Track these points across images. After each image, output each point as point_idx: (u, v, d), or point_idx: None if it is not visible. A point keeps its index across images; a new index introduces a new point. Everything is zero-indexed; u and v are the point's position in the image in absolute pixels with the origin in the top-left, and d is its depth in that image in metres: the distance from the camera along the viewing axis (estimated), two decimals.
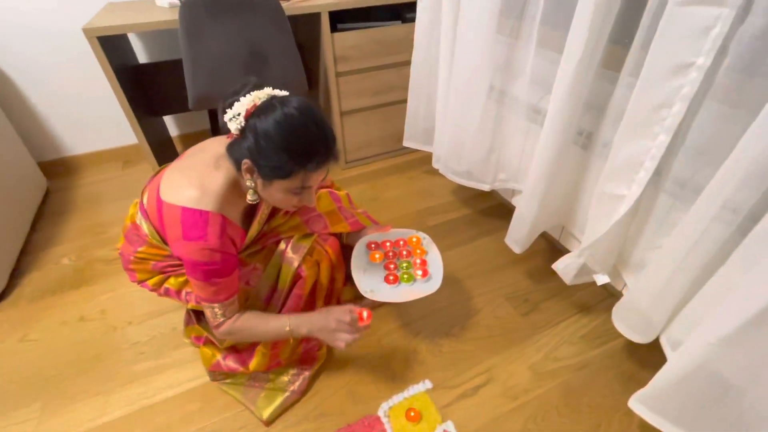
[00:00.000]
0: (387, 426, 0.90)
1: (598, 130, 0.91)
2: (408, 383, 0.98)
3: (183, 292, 0.92)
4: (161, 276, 0.92)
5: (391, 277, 0.96)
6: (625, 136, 0.73)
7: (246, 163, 0.70)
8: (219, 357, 0.96)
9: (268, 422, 0.91)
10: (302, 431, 0.90)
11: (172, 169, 0.79)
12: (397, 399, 0.95)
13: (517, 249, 1.12)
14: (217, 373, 0.97)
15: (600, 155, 0.91)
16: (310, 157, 0.69)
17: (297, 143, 0.68)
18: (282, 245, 0.92)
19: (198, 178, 0.74)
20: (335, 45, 1.48)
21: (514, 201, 1.29)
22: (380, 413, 0.92)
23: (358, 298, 1.12)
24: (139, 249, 0.88)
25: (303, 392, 0.96)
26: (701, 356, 0.64)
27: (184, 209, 0.71)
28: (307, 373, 0.97)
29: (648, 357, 1.00)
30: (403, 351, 1.06)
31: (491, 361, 1.03)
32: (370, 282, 0.95)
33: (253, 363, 0.92)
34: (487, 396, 0.96)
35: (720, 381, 0.64)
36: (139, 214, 0.85)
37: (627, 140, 0.73)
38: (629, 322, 0.86)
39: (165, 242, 0.81)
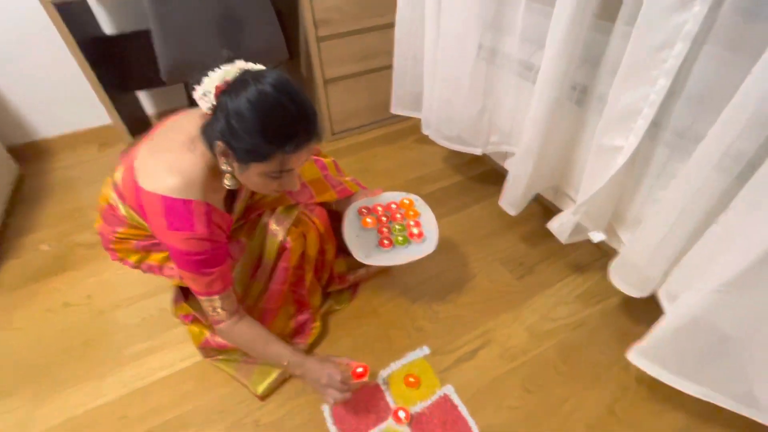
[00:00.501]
0: (386, 393, 0.89)
1: (593, 83, 0.87)
2: (406, 350, 0.97)
3: (165, 268, 0.89)
4: (143, 253, 0.88)
5: (386, 241, 0.93)
6: (623, 83, 0.69)
7: (219, 145, 0.64)
8: (207, 334, 0.93)
9: (263, 397, 0.90)
10: (299, 405, 0.89)
11: (147, 151, 0.73)
12: (395, 366, 0.94)
13: (512, 211, 1.10)
14: (209, 350, 0.96)
15: (595, 110, 0.88)
16: (288, 137, 0.63)
17: (273, 123, 0.62)
18: (265, 218, 0.88)
19: (176, 163, 0.68)
20: (314, 7, 1.40)
21: (507, 164, 1.26)
22: (379, 381, 0.92)
23: (351, 269, 1.10)
24: (119, 230, 0.84)
25: None
26: (702, 306, 0.63)
27: (166, 199, 0.66)
28: (301, 347, 0.96)
29: (643, 313, 1.00)
30: (400, 319, 1.04)
31: (488, 324, 1.02)
32: (364, 247, 0.93)
33: None
34: (485, 358, 0.95)
35: (720, 331, 0.64)
36: (113, 195, 0.79)
37: (625, 87, 0.69)
38: (627, 277, 0.85)
39: (146, 223, 0.77)
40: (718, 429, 0.81)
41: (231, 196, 0.81)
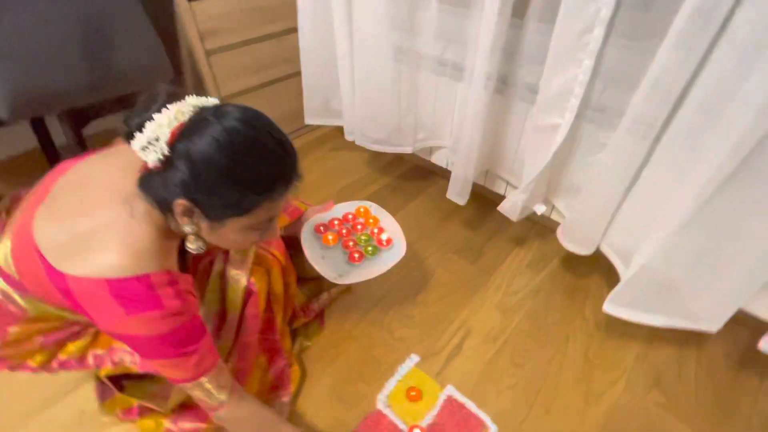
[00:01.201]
0: (392, 416, 0.84)
1: (513, 73, 0.94)
2: (395, 365, 0.93)
3: (89, 357, 0.69)
4: (53, 348, 0.66)
5: (356, 255, 0.88)
6: (553, 67, 0.77)
7: (181, 204, 0.50)
8: (166, 424, 0.74)
9: None
10: None
11: (50, 220, 0.53)
12: (391, 385, 0.89)
13: (461, 201, 1.14)
14: None
15: (521, 97, 0.95)
16: (276, 181, 0.53)
17: (252, 168, 0.51)
18: (218, 265, 0.74)
19: (110, 234, 0.51)
20: (197, 17, 1.23)
21: (435, 159, 1.30)
22: (380, 406, 0.85)
23: (311, 297, 1.00)
24: (12, 329, 0.61)
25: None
26: (652, 253, 0.74)
27: (112, 282, 0.49)
28: (285, 399, 0.84)
29: (581, 268, 1.14)
30: (378, 335, 0.99)
31: (462, 314, 1.04)
32: (334, 267, 0.86)
33: None
34: (471, 348, 0.97)
35: (666, 269, 0.76)
36: (2, 282, 0.56)
37: (555, 71, 0.77)
38: (574, 238, 0.95)
39: (72, 311, 0.57)
40: (664, 344, 0.96)
41: (182, 249, 0.65)
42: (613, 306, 0.85)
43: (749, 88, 0.59)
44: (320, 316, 1.02)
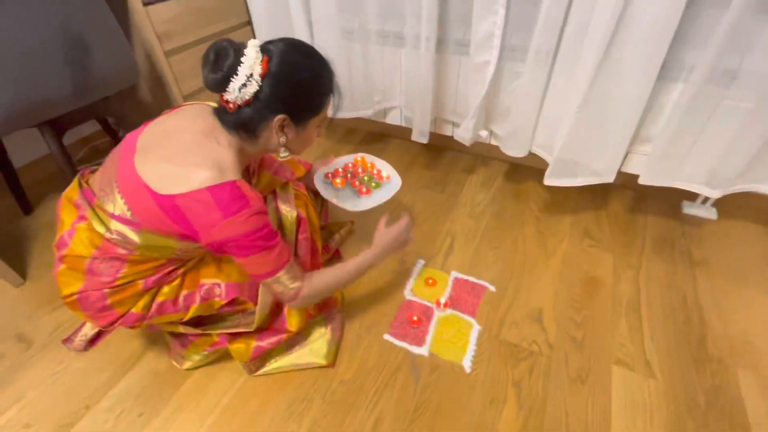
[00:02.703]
0: (419, 300, 1.09)
1: (445, 34, 1.23)
2: (409, 269, 1.17)
3: (180, 298, 0.81)
4: (152, 291, 0.78)
5: (364, 189, 1.09)
6: (478, 17, 1.07)
7: (279, 119, 0.68)
8: (254, 342, 0.90)
9: (332, 364, 0.95)
10: (366, 347, 0.98)
11: (152, 163, 0.67)
12: (411, 281, 1.14)
13: (423, 139, 1.42)
14: (257, 361, 0.92)
15: (453, 51, 1.25)
16: (331, 81, 0.73)
17: (321, 75, 0.70)
18: (270, 202, 0.91)
19: (203, 158, 0.66)
20: (152, 20, 1.32)
21: (389, 119, 1.56)
22: (408, 296, 1.10)
23: (328, 239, 1.20)
24: (120, 273, 0.72)
25: (342, 326, 1.03)
26: (565, 137, 1.09)
27: (211, 188, 0.64)
28: (336, 309, 1.04)
29: (518, 177, 1.51)
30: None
31: (445, 226, 1.32)
32: (348, 201, 1.06)
33: (292, 323, 0.91)
34: (460, 245, 1.25)
35: (576, 150, 1.12)
36: (117, 226, 0.68)
37: (480, 20, 1.07)
38: (512, 147, 1.29)
39: (178, 239, 0.70)
40: (585, 210, 1.35)
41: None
42: (549, 179, 1.20)
43: (598, 11, 0.94)
44: (337, 253, 1.22)
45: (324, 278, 0.83)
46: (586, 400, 0.87)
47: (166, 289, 0.79)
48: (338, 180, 1.11)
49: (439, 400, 0.88)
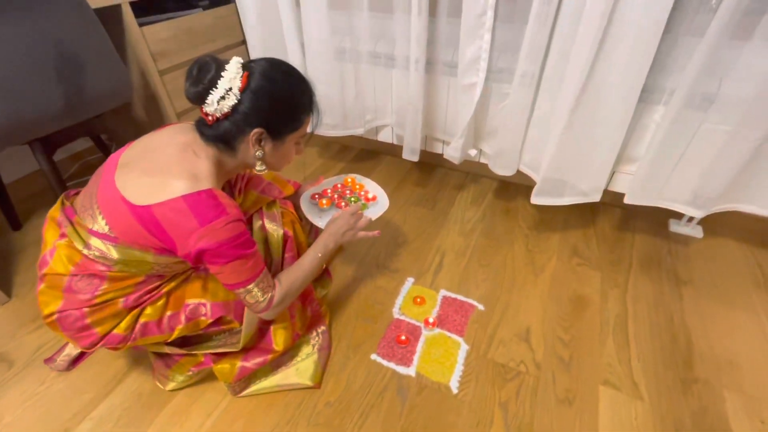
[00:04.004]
0: (407, 319, 1.08)
1: (434, 56, 1.26)
2: (398, 287, 1.17)
3: (165, 319, 0.80)
4: (135, 312, 0.77)
5: None
6: (465, 41, 1.10)
7: (256, 132, 0.70)
8: (239, 362, 0.89)
9: (319, 384, 0.94)
10: (353, 367, 0.98)
11: (133, 177, 0.68)
12: (400, 300, 1.14)
13: (414, 158, 1.43)
14: (237, 385, 0.91)
15: (442, 72, 1.28)
16: (311, 99, 0.75)
17: (300, 91, 0.73)
18: (256, 221, 0.92)
19: (179, 170, 0.67)
20: (148, 40, 1.34)
21: (381, 137, 1.58)
22: (396, 315, 1.09)
23: None
24: (99, 290, 0.72)
25: (330, 345, 1.02)
26: (551, 157, 1.11)
27: (186, 197, 0.65)
28: (323, 328, 1.03)
29: (507, 195, 1.52)
30: (378, 273, 1.23)
31: (435, 243, 1.33)
32: None
33: (279, 341, 0.91)
34: (449, 263, 1.26)
35: (562, 170, 1.14)
36: (95, 242, 0.68)
37: (467, 44, 1.10)
38: (501, 166, 1.30)
39: (155, 253, 0.70)
40: (573, 228, 1.37)
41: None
42: (536, 198, 1.21)
43: (579, 39, 0.97)
44: (326, 271, 1.22)
45: (290, 278, 0.83)
46: (573, 421, 0.87)
47: (149, 310, 0.79)
48: (324, 201, 1.11)
49: (425, 422, 0.87)
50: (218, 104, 0.67)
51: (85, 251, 0.69)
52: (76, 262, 0.70)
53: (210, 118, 0.70)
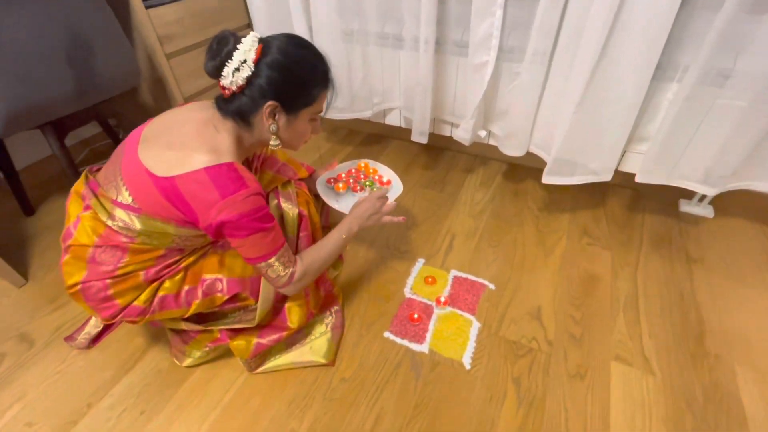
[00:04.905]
0: (419, 298, 1.09)
1: (444, 35, 1.25)
2: (409, 268, 1.18)
3: (182, 293, 0.81)
4: (154, 285, 0.78)
5: (365, 194, 1.10)
6: (477, 18, 1.09)
7: (270, 105, 0.69)
8: (255, 339, 0.91)
9: (333, 362, 0.96)
10: (366, 344, 0.99)
11: (155, 151, 0.69)
12: (411, 279, 1.14)
13: (423, 140, 1.43)
14: (253, 361, 0.93)
15: (451, 52, 1.26)
16: (326, 75, 0.75)
17: (315, 65, 0.72)
18: (272, 200, 0.92)
19: (201, 143, 0.68)
20: (154, 23, 1.33)
21: (389, 120, 1.57)
22: (408, 294, 1.10)
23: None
24: (121, 262, 0.73)
25: (343, 324, 1.03)
26: (563, 137, 1.10)
27: (209, 170, 0.66)
28: (336, 307, 1.04)
29: (516, 177, 1.52)
30: (389, 254, 1.24)
31: (445, 225, 1.33)
32: (348, 205, 1.07)
33: (293, 319, 0.92)
34: (459, 244, 1.26)
35: (573, 149, 1.13)
36: (119, 213, 0.70)
37: (479, 21, 1.09)
38: (511, 146, 1.30)
39: (176, 225, 0.71)
40: (583, 208, 1.36)
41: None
42: (547, 177, 1.21)
43: (593, 14, 0.96)
44: None
45: (312, 256, 0.84)
46: (585, 395, 0.88)
47: (167, 283, 0.80)
48: (340, 185, 1.12)
49: (439, 397, 0.88)
50: (233, 76, 0.67)
51: (109, 222, 0.70)
52: (99, 234, 0.71)
53: (227, 91, 0.70)
